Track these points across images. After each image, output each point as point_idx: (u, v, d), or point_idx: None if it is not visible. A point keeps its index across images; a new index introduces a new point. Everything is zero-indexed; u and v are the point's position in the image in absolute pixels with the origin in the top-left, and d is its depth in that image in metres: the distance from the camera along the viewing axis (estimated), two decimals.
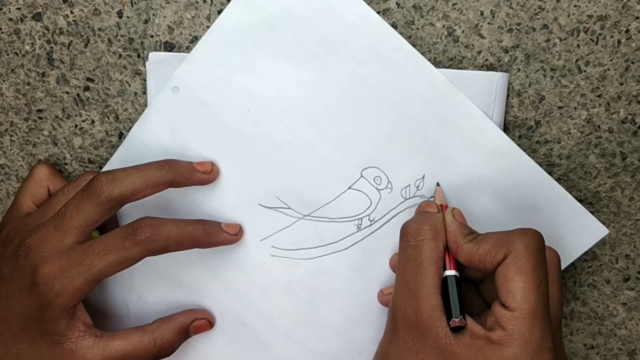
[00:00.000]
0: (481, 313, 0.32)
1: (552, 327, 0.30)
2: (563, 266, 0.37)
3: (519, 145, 0.36)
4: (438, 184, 0.37)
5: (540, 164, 0.37)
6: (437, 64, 0.37)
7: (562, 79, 0.37)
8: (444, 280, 0.32)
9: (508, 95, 0.37)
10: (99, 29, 0.38)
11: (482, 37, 0.37)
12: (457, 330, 0.30)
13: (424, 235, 0.32)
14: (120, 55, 0.38)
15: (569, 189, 0.37)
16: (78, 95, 0.39)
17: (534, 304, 0.29)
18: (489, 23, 0.36)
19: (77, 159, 0.40)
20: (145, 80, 0.38)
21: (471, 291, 0.35)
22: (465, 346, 0.30)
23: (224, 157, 0.37)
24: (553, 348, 0.29)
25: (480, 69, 0.37)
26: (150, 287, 0.39)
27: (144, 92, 0.38)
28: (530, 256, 0.30)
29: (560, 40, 0.36)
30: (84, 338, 0.33)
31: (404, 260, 0.32)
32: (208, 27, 0.37)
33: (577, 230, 0.37)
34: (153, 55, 0.37)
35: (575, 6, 0.36)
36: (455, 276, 0.32)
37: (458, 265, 0.32)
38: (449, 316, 0.30)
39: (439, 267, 0.32)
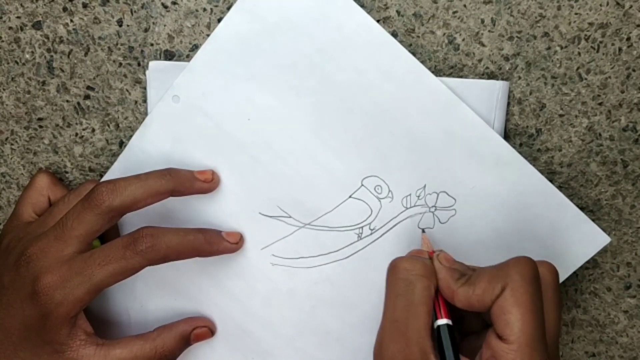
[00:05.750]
0: (479, 332, 0.32)
1: (550, 349, 0.30)
2: (565, 276, 0.37)
3: (520, 153, 0.36)
4: (423, 231, 0.36)
5: (541, 172, 0.36)
6: (437, 72, 0.37)
7: (563, 87, 0.37)
8: (437, 328, 0.30)
9: (509, 104, 0.37)
10: (99, 38, 0.38)
11: (483, 45, 0.36)
12: None
13: (418, 272, 0.31)
14: (121, 64, 0.38)
15: (570, 197, 0.37)
16: (78, 103, 0.39)
17: (531, 335, 0.28)
18: (489, 31, 0.36)
19: (78, 168, 0.40)
20: (145, 88, 0.38)
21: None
22: None
23: (225, 166, 0.37)
24: None
25: (481, 77, 0.37)
26: (152, 295, 0.39)
27: (144, 101, 0.38)
28: (527, 286, 0.29)
29: (561, 48, 0.36)
30: (85, 347, 0.34)
31: (394, 296, 0.30)
32: (208, 35, 0.37)
33: (578, 239, 0.37)
34: (153, 64, 0.37)
35: (576, 14, 0.36)
36: (447, 325, 0.30)
37: (451, 307, 0.31)
38: None
39: (429, 308, 0.30)
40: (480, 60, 0.37)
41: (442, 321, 0.30)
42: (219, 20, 0.37)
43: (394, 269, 0.31)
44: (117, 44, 0.38)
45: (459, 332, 0.33)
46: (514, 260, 0.30)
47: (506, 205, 0.37)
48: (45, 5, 0.38)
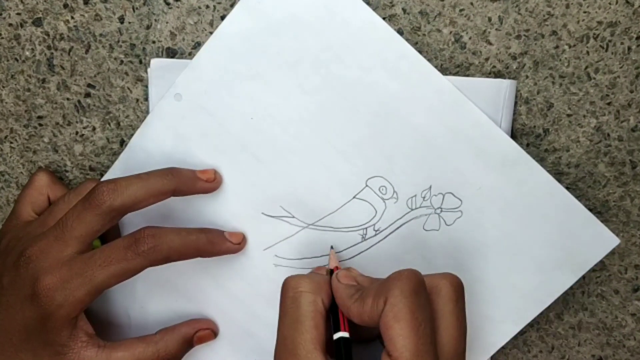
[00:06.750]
0: None
1: None
2: (574, 279, 0.36)
3: (527, 153, 0.36)
4: (332, 247, 0.36)
5: (549, 173, 0.36)
6: (443, 71, 0.36)
7: (571, 87, 0.36)
8: (336, 342, 0.30)
9: (516, 103, 0.36)
10: (100, 35, 0.37)
11: (490, 44, 0.36)
12: None
13: (303, 288, 0.31)
14: (122, 62, 0.38)
15: (578, 198, 0.36)
16: (79, 101, 0.38)
17: (414, 351, 0.27)
18: (496, 29, 0.36)
19: (78, 166, 0.40)
20: (147, 86, 0.38)
21: None
22: None
23: (227, 165, 0.37)
24: None
25: (487, 76, 0.36)
26: (153, 296, 0.39)
27: (146, 99, 0.38)
28: (406, 300, 0.28)
29: (570, 47, 0.36)
30: (87, 349, 0.33)
31: (282, 315, 0.31)
32: (211, 33, 0.36)
33: (587, 240, 0.36)
34: (155, 62, 0.37)
35: (584, 12, 0.35)
36: (345, 338, 0.30)
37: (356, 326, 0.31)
38: None
39: (317, 322, 0.30)
40: (487, 59, 0.36)
41: (338, 335, 0.30)
42: (222, 18, 0.36)
43: (283, 287, 0.32)
44: (118, 41, 0.37)
45: None
46: (396, 274, 0.29)
47: (513, 207, 0.36)
48: (45, 1, 0.37)
